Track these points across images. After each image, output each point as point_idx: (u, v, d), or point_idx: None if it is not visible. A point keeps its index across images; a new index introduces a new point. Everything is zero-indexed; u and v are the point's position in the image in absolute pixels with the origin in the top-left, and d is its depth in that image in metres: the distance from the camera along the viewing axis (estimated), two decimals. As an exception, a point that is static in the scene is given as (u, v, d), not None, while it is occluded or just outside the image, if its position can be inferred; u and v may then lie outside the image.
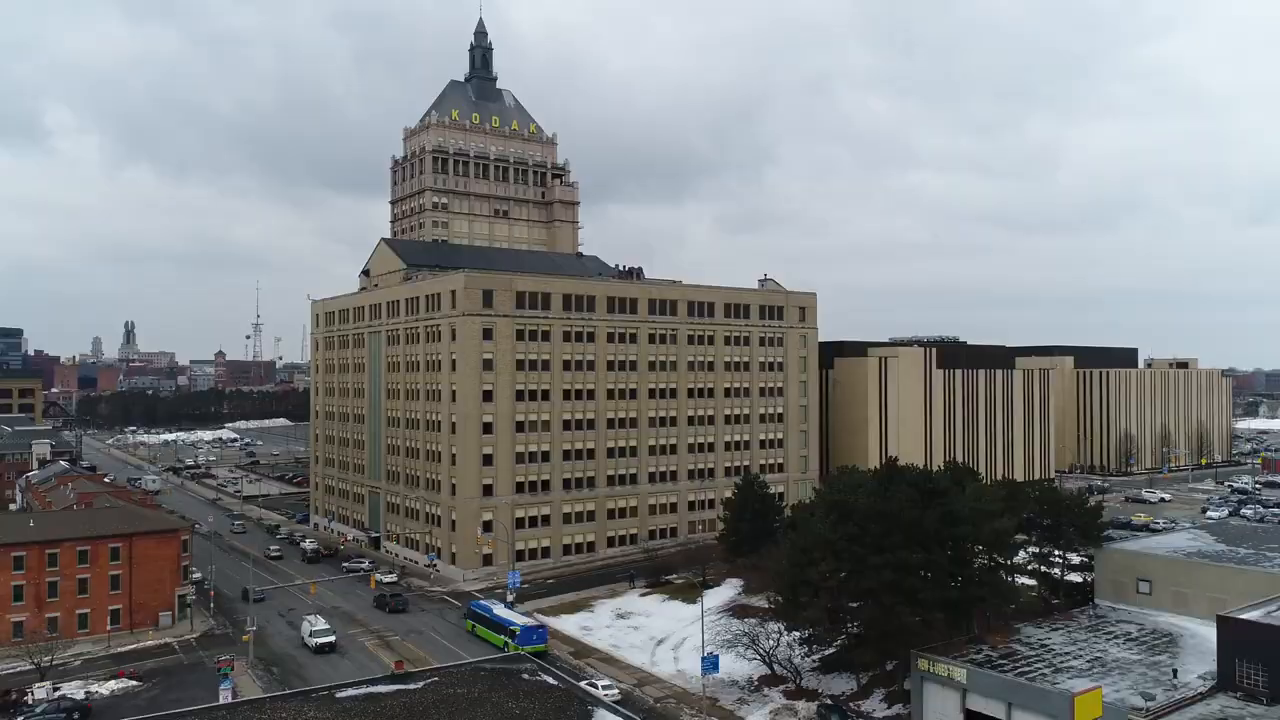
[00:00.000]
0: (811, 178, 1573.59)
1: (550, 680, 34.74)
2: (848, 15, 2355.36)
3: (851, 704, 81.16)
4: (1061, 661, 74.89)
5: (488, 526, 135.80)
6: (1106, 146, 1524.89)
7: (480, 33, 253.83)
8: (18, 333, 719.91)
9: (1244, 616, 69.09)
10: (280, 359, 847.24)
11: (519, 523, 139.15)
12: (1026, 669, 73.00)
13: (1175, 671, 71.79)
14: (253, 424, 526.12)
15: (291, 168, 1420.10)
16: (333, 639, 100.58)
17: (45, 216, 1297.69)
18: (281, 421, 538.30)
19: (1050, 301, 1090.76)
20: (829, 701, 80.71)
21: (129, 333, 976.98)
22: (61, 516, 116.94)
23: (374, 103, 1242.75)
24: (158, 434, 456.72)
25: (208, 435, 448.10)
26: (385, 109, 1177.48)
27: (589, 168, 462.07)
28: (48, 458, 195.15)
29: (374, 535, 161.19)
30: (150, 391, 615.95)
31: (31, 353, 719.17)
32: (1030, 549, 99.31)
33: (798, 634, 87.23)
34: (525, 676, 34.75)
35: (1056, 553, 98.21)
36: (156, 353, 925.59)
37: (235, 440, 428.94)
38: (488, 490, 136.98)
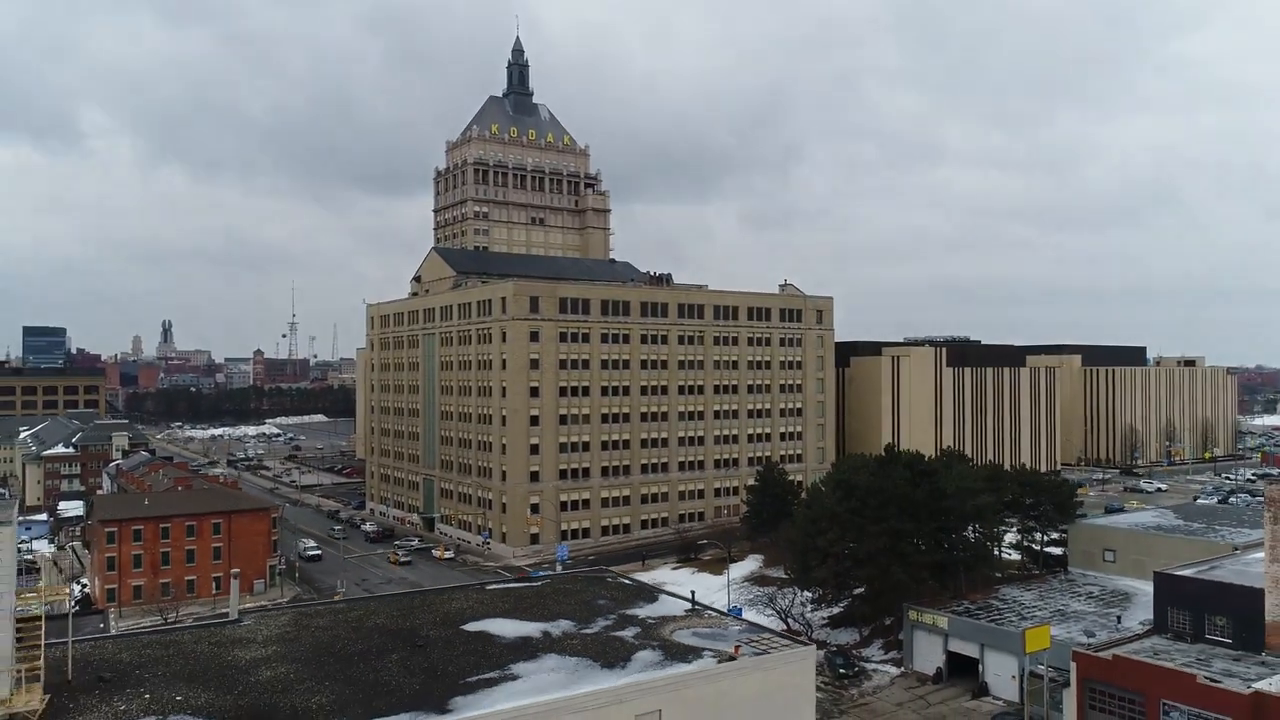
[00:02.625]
0: (838, 175, 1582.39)
1: (626, 581, 49.76)
2: (875, 11, 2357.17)
3: (855, 651, 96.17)
4: (1028, 612, 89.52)
5: (535, 509, 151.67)
6: (1137, 142, 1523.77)
7: (517, 50, 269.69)
8: (61, 331, 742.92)
9: (1177, 573, 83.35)
10: (315, 356, 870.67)
11: (562, 506, 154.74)
12: (998, 617, 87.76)
13: (1119, 618, 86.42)
14: (292, 420, 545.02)
15: (319, 167, 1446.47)
16: (319, 552, 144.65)
17: (80, 216, 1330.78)
18: (319, 417, 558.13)
19: (1075, 298, 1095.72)
20: (835, 649, 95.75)
21: (166, 331, 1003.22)
22: (169, 496, 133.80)
23: (401, 103, 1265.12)
24: (203, 429, 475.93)
25: (252, 430, 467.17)
26: (412, 109, 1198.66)
27: (615, 166, 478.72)
28: (126, 448, 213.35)
29: (428, 517, 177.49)
30: (193, 389, 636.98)
31: (74, 351, 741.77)
32: (1014, 525, 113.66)
33: (809, 594, 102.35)
34: (609, 580, 49.81)
35: (1036, 529, 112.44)
36: (193, 351, 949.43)
37: (279, 435, 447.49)
38: (534, 476, 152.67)
